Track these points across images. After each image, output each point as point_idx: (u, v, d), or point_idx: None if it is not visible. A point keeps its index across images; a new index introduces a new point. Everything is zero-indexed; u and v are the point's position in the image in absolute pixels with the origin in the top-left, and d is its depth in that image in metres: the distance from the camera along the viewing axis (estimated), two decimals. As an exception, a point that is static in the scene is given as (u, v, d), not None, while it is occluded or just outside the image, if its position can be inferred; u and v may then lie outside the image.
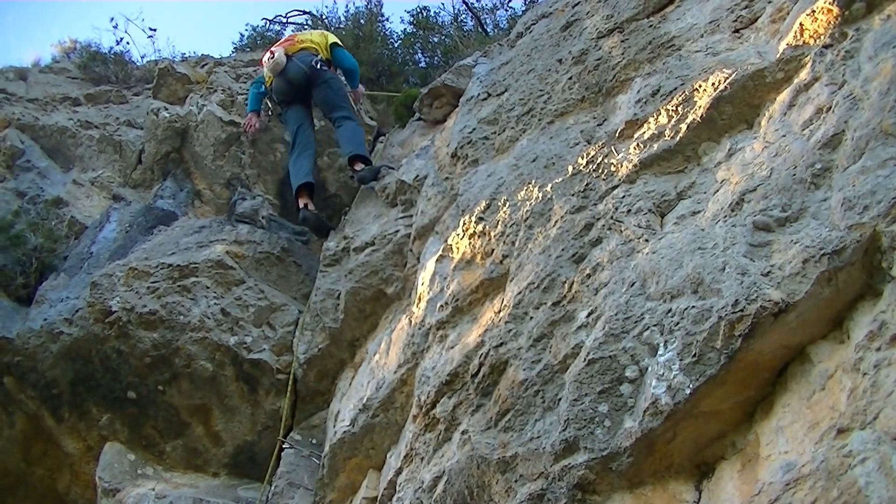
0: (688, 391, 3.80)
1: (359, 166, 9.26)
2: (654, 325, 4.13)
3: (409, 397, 6.41)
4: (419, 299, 6.61)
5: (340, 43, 10.88)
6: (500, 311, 5.39)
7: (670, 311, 4.08)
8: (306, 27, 14.35)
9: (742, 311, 3.69)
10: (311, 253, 9.36)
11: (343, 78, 10.59)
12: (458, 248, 6.36)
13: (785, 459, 3.40)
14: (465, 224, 6.37)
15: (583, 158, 5.74)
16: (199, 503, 7.90)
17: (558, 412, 4.45)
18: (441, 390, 5.58)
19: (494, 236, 5.99)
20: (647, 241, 4.68)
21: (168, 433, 8.42)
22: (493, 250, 5.94)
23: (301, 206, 9.30)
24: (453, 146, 7.45)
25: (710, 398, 3.79)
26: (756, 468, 3.55)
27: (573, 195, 5.49)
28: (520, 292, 5.24)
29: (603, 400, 4.21)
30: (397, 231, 8.00)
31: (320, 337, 8.06)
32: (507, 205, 6.07)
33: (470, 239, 6.24)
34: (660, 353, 4.03)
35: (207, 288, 8.47)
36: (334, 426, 7.40)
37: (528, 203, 5.86)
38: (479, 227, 6.19)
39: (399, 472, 6.04)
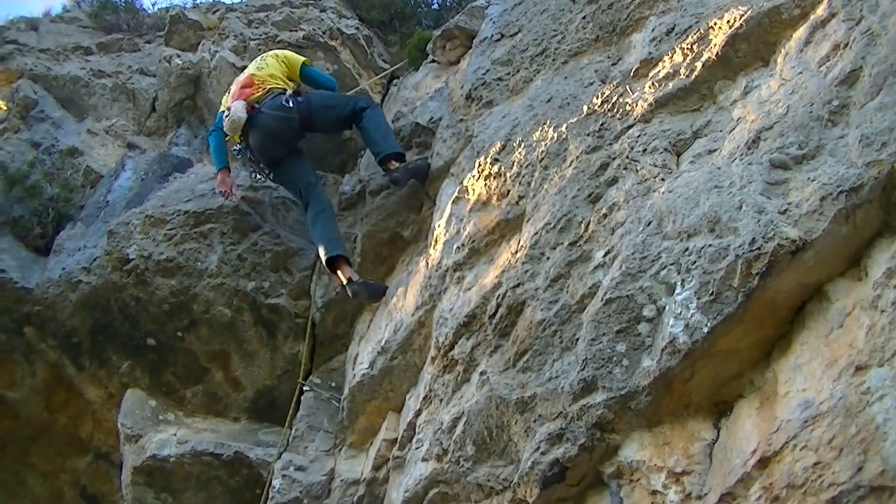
0: (705, 330, 3.81)
1: (392, 165, 7.88)
2: (671, 265, 4.12)
3: (427, 339, 6.43)
4: (436, 241, 6.62)
5: (308, 60, 9.22)
6: (516, 252, 5.39)
7: (687, 249, 4.07)
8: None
9: (759, 249, 3.68)
10: (330, 198, 9.37)
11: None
12: (473, 190, 6.35)
13: (803, 397, 3.40)
14: (480, 165, 6.35)
15: (598, 98, 5.70)
16: (221, 448, 7.98)
17: (576, 352, 4.46)
18: (459, 332, 5.60)
19: (510, 177, 5.97)
20: (663, 180, 4.66)
21: (188, 379, 8.49)
22: (508, 191, 5.93)
23: (345, 280, 7.67)
24: (467, 88, 7.41)
25: (727, 337, 3.80)
26: (774, 406, 3.55)
27: (588, 135, 5.47)
28: (536, 233, 5.23)
29: (621, 339, 4.22)
30: (413, 174, 7.99)
31: (336, 281, 8.07)
32: (523, 145, 6.05)
33: (485, 180, 6.23)
34: (677, 292, 4.03)
35: (224, 234, 8.49)
36: (353, 369, 7.44)
37: (543, 143, 5.84)
38: (495, 169, 6.17)
39: (418, 413, 6.07)
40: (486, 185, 6.21)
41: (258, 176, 8.79)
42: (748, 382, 3.85)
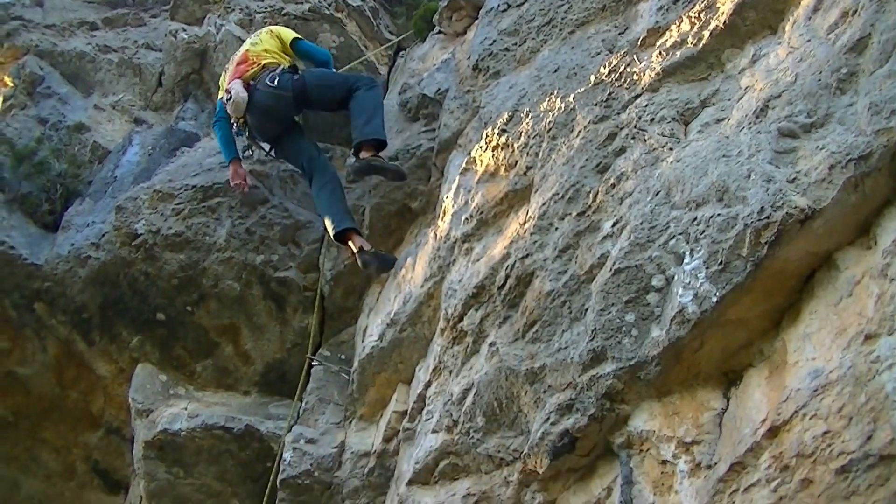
0: (714, 299, 3.80)
1: (364, 153, 7.67)
2: (680, 234, 4.11)
3: (436, 311, 6.44)
4: (444, 213, 6.62)
5: (299, 35, 8.94)
6: (524, 223, 5.38)
7: (696, 219, 4.06)
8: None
9: (768, 218, 3.66)
10: (335, 169, 9.34)
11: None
12: (481, 161, 6.34)
13: (812, 366, 3.40)
14: (487, 136, 6.34)
15: (605, 68, 5.67)
16: (232, 421, 8.01)
17: (585, 322, 4.47)
18: (468, 303, 5.61)
19: (518, 148, 5.96)
20: (671, 149, 4.65)
21: (198, 353, 8.51)
22: (516, 162, 5.92)
23: (356, 249, 7.47)
24: (474, 59, 7.38)
25: (736, 306, 3.79)
26: (784, 375, 3.55)
27: (596, 105, 5.44)
28: (544, 203, 5.22)
29: (630, 309, 4.22)
30: (420, 145, 7.97)
31: (346, 253, 8.06)
32: (530, 116, 6.03)
33: (493, 151, 6.22)
34: (686, 261, 4.02)
35: (232, 208, 8.47)
36: (363, 341, 7.46)
37: (550, 114, 5.82)
38: (502, 139, 6.16)
39: (428, 385, 6.09)
40: (493, 155, 6.20)
41: (258, 152, 8.76)
42: (757, 352, 3.84)
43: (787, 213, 3.61)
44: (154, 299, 8.49)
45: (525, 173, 5.77)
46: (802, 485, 3.21)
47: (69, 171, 9.99)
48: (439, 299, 6.32)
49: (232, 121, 8.44)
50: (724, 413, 3.88)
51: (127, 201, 8.59)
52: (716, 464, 3.72)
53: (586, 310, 4.52)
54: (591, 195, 4.93)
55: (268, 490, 7.39)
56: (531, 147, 5.81)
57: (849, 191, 3.54)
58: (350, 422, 7.39)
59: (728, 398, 3.90)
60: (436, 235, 6.69)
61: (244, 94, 8.00)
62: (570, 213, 4.99)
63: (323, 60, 8.83)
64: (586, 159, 5.14)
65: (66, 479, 9.95)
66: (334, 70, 9.03)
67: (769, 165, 3.86)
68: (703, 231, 3.97)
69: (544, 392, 4.62)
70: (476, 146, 6.47)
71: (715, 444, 3.81)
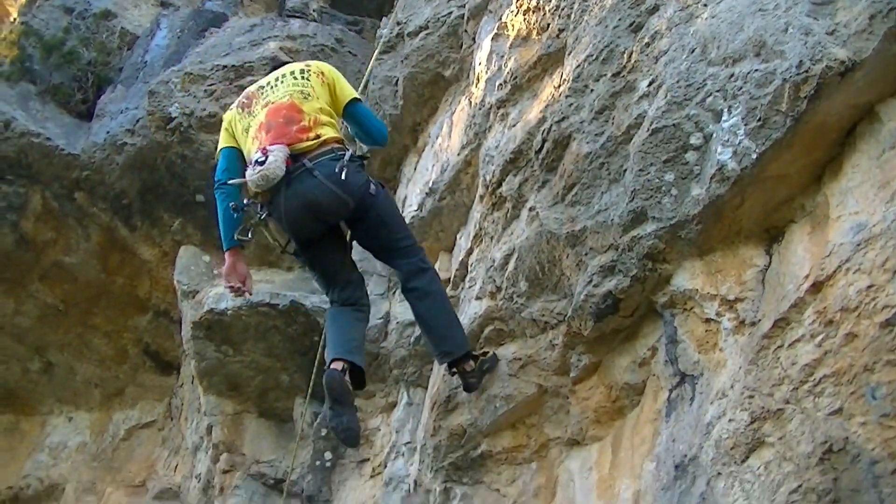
0: (754, 156, 3.76)
1: (468, 365, 5.51)
2: (717, 91, 4.06)
3: (474, 178, 6.45)
4: (478, 80, 6.57)
5: (359, 96, 6.10)
6: (559, 86, 5.33)
7: (733, 75, 4.00)
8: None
9: (807, 72, 3.60)
10: (366, 42, 9.27)
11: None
12: (513, 26, 6.27)
13: (855, 220, 3.37)
14: (518, 0, 6.25)
15: (635, -77, 5.56)
16: (276, 297, 8.11)
17: (624, 183, 4.45)
18: (506, 168, 5.61)
19: (549, 10, 5.88)
20: (705, 5, 4.55)
21: (239, 232, 8.59)
22: (548, 25, 5.85)
23: (333, 366, 5.32)
24: (501, -79, 7.26)
25: (777, 162, 3.76)
26: (826, 230, 3.54)
27: (627, -38, 5.34)
28: (578, 65, 5.15)
29: (669, 169, 4.19)
30: (450, 13, 7.87)
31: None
32: (560, -23, 5.94)
33: (524, 15, 6.14)
34: (724, 118, 3.98)
35: (264, 86, 8.46)
36: (402, 211, 7.48)
37: (581, -26, 5.73)
38: (534, 3, 6.07)
39: (470, 252, 6.13)
40: (525, 19, 6.12)
41: (275, 242, 5.95)
42: (799, 207, 3.82)
43: (826, 65, 3.55)
44: (192, 181, 8.55)
45: (558, 36, 5.70)
46: (846, 339, 3.21)
47: (99, 59, 10.00)
48: (477, 166, 6.32)
49: (244, 193, 5.71)
50: (766, 270, 3.88)
51: (159, 85, 8.61)
52: (760, 320, 3.73)
53: (625, 171, 4.50)
54: (625, 55, 4.86)
55: (316, 363, 7.50)
56: (563, 9, 5.72)
57: (890, 41, 3.47)
58: (394, 292, 7.47)
59: (770, 255, 3.90)
60: (470, 102, 6.67)
61: (281, 172, 5.33)
62: (605, 74, 4.93)
63: (377, 139, 6.16)
64: (619, 19, 5.05)
65: (119, 363, 10.18)
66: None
67: (807, 18, 3.78)
68: (741, 87, 3.91)
69: (586, 255, 4.63)
70: (507, 11, 6.40)
71: (758, 301, 3.81)
